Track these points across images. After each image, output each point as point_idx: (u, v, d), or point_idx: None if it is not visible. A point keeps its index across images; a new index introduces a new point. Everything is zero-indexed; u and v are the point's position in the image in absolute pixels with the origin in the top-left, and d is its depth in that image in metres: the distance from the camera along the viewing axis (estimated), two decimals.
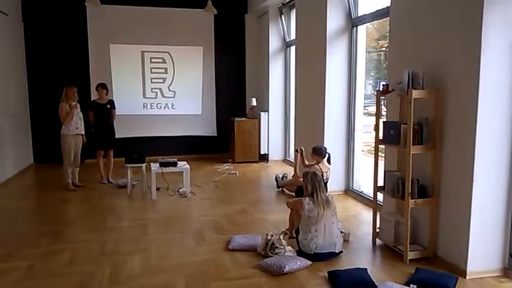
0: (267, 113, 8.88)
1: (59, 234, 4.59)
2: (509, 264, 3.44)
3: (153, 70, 9.17)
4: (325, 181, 4.94)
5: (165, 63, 9.20)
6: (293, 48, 8.00)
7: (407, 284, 3.24)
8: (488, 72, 3.26)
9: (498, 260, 3.47)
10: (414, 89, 3.63)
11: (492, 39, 3.23)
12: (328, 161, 5.45)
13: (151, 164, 6.22)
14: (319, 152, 5.34)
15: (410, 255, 3.75)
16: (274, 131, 8.93)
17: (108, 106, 6.95)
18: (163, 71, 9.21)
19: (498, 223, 3.44)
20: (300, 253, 3.84)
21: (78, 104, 6.53)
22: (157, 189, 6.18)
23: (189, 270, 3.62)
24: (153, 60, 9.14)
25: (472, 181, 3.34)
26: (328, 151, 5.44)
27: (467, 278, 3.40)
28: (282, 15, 8.65)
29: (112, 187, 6.77)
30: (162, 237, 4.49)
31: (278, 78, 8.89)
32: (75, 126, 6.43)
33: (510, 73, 3.30)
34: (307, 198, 3.95)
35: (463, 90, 3.44)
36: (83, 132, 6.60)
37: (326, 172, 5.29)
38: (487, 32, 3.21)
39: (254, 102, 9.06)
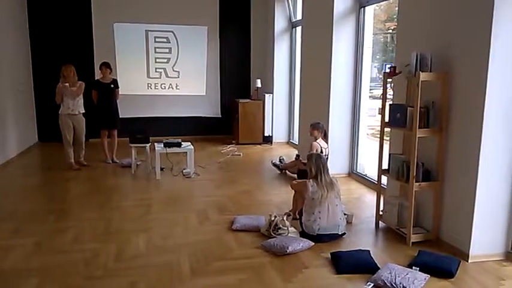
0: (271, 94, 8.82)
1: (64, 212, 4.64)
2: None
3: (157, 50, 9.11)
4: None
5: (170, 42, 9.12)
6: (299, 28, 7.89)
7: (409, 266, 3.26)
8: (498, 56, 3.20)
9: (501, 244, 3.47)
10: (422, 72, 3.58)
11: (503, 23, 3.16)
12: (325, 138, 5.49)
13: (156, 144, 6.23)
14: (317, 127, 5.39)
15: (414, 238, 3.76)
16: (278, 113, 8.90)
17: (112, 86, 6.92)
18: (167, 50, 9.14)
19: (502, 208, 3.44)
20: (303, 234, 3.87)
21: (80, 83, 6.45)
22: (162, 169, 6.19)
23: (192, 249, 3.66)
24: (157, 39, 9.06)
25: (478, 165, 3.32)
26: (325, 128, 5.53)
27: (469, 261, 3.41)
28: None
29: (116, 167, 6.80)
30: (166, 216, 4.52)
31: (283, 59, 8.80)
32: (66, 106, 6.40)
33: None
34: (311, 180, 3.95)
35: (471, 73, 3.38)
36: (77, 112, 6.47)
37: (325, 149, 5.32)
38: (498, 15, 3.14)
39: (259, 83, 8.99)
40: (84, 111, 6.60)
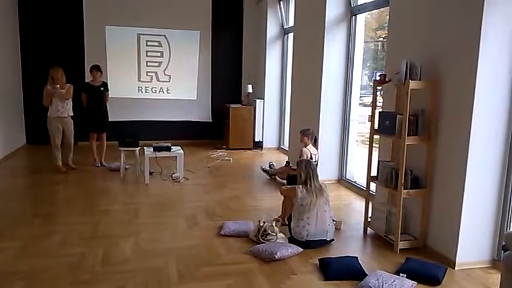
0: (262, 100, 8.84)
1: (51, 216, 4.58)
2: (498, 256, 3.48)
3: (149, 53, 9.09)
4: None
5: (161, 46, 9.10)
6: (291, 35, 7.94)
7: (397, 273, 3.27)
8: (486, 64, 3.25)
9: (487, 251, 3.52)
10: (411, 80, 3.62)
11: (491, 32, 3.22)
12: (315, 144, 5.53)
13: (145, 148, 6.19)
14: (307, 133, 5.43)
15: (401, 245, 3.79)
16: (269, 119, 8.92)
17: (102, 88, 6.88)
18: (159, 54, 9.12)
19: (489, 215, 3.48)
20: (292, 240, 3.87)
21: (68, 85, 6.41)
22: (151, 173, 6.15)
23: (180, 254, 3.64)
24: (149, 43, 9.05)
25: (465, 173, 3.37)
26: (315, 135, 5.58)
27: (456, 268, 3.44)
28: (281, 2, 8.55)
29: (105, 170, 6.74)
30: (154, 221, 4.49)
31: (275, 65, 8.83)
32: (56, 109, 6.34)
33: (508, 66, 3.30)
34: (300, 186, 3.96)
35: (460, 82, 3.44)
36: (66, 115, 6.43)
37: (315, 155, 5.35)
38: (486, 24, 3.20)
39: (250, 89, 9.01)
40: (72, 114, 6.55)
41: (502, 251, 2.85)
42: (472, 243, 3.46)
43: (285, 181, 5.85)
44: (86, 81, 7.27)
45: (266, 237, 3.86)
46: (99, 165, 6.94)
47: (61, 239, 3.92)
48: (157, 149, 6.09)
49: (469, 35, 3.31)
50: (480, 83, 3.27)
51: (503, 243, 2.79)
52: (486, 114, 3.33)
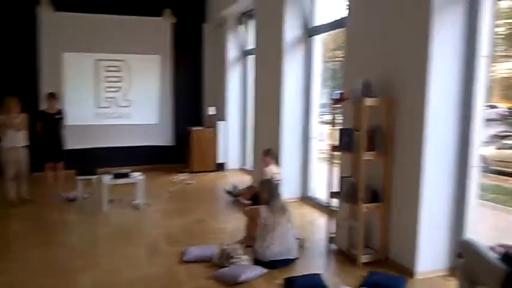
0: (224, 122, 8.84)
1: (3, 252, 4.32)
2: (455, 264, 3.56)
3: (108, 79, 8.92)
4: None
5: (121, 71, 8.97)
6: (251, 57, 8.04)
7: (360, 287, 3.28)
8: (436, 81, 3.42)
9: (445, 260, 3.61)
10: (367, 97, 3.72)
11: (439, 50, 3.39)
12: (277, 163, 5.58)
13: (103, 175, 6.00)
14: (269, 153, 5.55)
15: (363, 258, 3.82)
16: (231, 140, 8.90)
17: (57, 116, 6.67)
18: (118, 79, 8.98)
19: (445, 225, 3.59)
20: (256, 261, 3.82)
21: (22, 115, 6.21)
22: (110, 201, 5.94)
23: (142, 284, 3.51)
24: (108, 68, 8.90)
25: (420, 185, 3.47)
26: (276, 154, 5.72)
27: (416, 278, 3.51)
28: (241, 24, 8.68)
29: (62, 201, 6.45)
30: (114, 251, 4.33)
31: (236, 87, 8.88)
32: (10, 139, 6.11)
33: (457, 82, 3.48)
34: (263, 206, 3.94)
35: (412, 98, 3.57)
36: (21, 145, 6.19)
37: (278, 174, 5.38)
38: (434, 42, 3.37)
39: (212, 111, 9.00)
40: (27, 144, 6.30)
41: (458, 259, 2.92)
42: (430, 253, 3.55)
43: (248, 202, 5.81)
44: (41, 109, 7.03)
45: (230, 260, 3.79)
46: (56, 195, 6.64)
47: (14, 276, 3.69)
48: (116, 176, 5.91)
49: (418, 53, 3.47)
50: (432, 98, 3.41)
51: (459, 251, 2.87)
52: (438, 129, 3.46)
